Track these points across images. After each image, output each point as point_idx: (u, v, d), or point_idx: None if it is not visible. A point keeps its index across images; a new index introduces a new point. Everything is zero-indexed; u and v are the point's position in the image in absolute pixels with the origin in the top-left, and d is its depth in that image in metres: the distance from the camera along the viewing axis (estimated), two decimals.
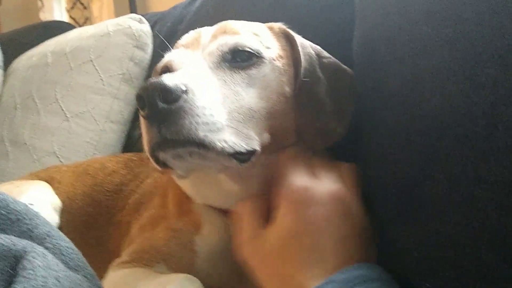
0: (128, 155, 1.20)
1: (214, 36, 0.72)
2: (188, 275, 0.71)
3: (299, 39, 0.77)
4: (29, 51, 1.86)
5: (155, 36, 1.62)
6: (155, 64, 1.51)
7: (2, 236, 0.63)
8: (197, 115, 0.59)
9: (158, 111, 0.58)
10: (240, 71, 0.68)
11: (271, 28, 0.77)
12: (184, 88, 0.59)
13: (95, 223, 1.05)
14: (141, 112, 0.60)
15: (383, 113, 0.66)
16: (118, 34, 1.58)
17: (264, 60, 0.70)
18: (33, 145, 1.52)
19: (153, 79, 0.59)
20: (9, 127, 1.59)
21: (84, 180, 1.14)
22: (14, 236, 0.64)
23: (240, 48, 0.69)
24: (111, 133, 1.52)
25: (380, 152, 0.66)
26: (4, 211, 0.66)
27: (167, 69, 0.72)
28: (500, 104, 0.48)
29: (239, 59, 0.69)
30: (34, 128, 1.54)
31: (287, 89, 0.72)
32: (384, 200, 0.64)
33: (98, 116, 1.52)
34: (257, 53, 0.70)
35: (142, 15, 1.69)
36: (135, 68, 1.55)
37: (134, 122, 1.58)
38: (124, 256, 0.81)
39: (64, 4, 5.20)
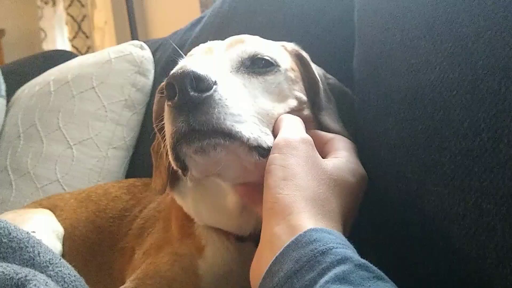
0: (131, 180, 1.20)
1: (231, 45, 0.73)
2: None
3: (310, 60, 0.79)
4: (32, 80, 1.87)
5: (156, 62, 1.64)
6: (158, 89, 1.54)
7: (4, 265, 0.62)
8: (226, 106, 0.58)
9: (189, 99, 0.57)
10: (258, 77, 0.69)
11: (283, 46, 0.79)
12: (214, 79, 0.59)
13: (98, 250, 1.04)
14: (169, 102, 0.59)
15: (385, 129, 0.66)
16: (119, 60, 1.59)
17: (280, 68, 0.71)
18: (36, 174, 1.51)
19: (183, 68, 0.58)
20: (12, 156, 1.59)
21: (86, 207, 1.14)
22: (16, 264, 0.63)
23: (259, 56, 0.71)
24: (114, 160, 1.52)
25: (383, 166, 0.66)
26: (6, 239, 0.65)
27: None
28: (503, 117, 0.48)
29: (256, 66, 0.70)
30: (37, 157, 1.54)
31: (302, 97, 0.73)
32: (388, 213, 0.64)
33: (101, 143, 1.52)
34: (274, 61, 0.71)
35: (144, 42, 1.70)
36: (137, 94, 1.56)
37: (136, 148, 1.58)
38: (128, 282, 0.79)
39: (66, 34, 5.29)
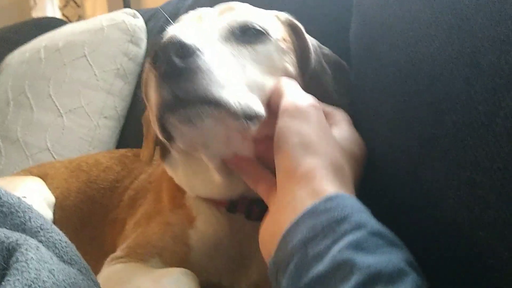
0: (122, 151, 1.19)
1: (221, 13, 0.72)
2: (183, 269, 0.70)
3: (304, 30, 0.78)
4: (21, 47, 1.84)
5: (149, 32, 1.61)
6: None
7: None
8: (211, 73, 0.57)
9: (174, 68, 0.56)
10: (247, 46, 0.68)
11: (277, 16, 0.78)
12: (199, 46, 0.58)
13: (89, 220, 1.04)
14: (154, 71, 0.58)
15: (382, 102, 0.66)
16: (112, 29, 1.57)
17: (270, 38, 0.70)
18: (26, 142, 1.50)
19: (169, 36, 0.57)
20: (1, 123, 1.57)
21: (77, 176, 1.13)
22: (7, 229, 0.63)
23: (249, 25, 0.69)
24: (105, 129, 1.51)
25: (380, 140, 0.66)
26: None
27: None
28: (501, 91, 0.47)
29: (246, 36, 0.68)
30: (27, 124, 1.52)
31: (291, 69, 0.72)
32: (386, 188, 0.64)
33: (92, 112, 1.50)
34: (265, 31, 0.70)
35: (136, 10, 1.67)
36: (130, 63, 1.54)
37: (128, 118, 1.56)
38: (119, 251, 0.80)
39: (57, 2, 5.18)
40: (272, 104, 0.65)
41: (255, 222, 0.71)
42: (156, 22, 1.62)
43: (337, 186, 0.54)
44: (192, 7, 1.41)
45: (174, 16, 1.51)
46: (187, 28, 0.70)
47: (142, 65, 1.56)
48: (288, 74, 0.71)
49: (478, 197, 0.49)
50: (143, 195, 0.95)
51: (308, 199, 0.52)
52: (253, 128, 0.62)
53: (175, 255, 0.75)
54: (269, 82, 0.67)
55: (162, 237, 0.77)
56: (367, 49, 0.73)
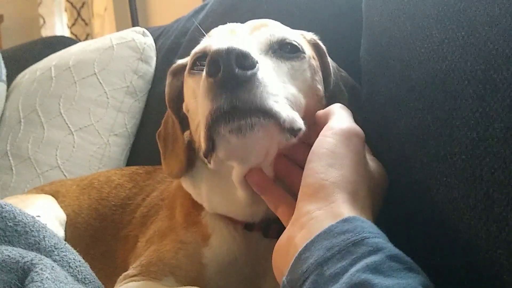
0: (133, 168, 1.19)
1: (256, 28, 0.72)
2: None
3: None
4: (32, 66, 1.86)
5: (158, 50, 1.63)
6: (159, 78, 1.54)
7: (10, 248, 0.62)
8: (267, 85, 0.58)
9: (234, 76, 0.56)
10: (285, 62, 0.68)
11: (302, 35, 0.78)
12: (257, 58, 0.58)
13: (101, 238, 1.03)
14: (210, 78, 0.57)
15: (395, 118, 0.66)
16: (121, 47, 1.58)
17: (305, 56, 0.71)
18: (37, 159, 1.51)
19: (225, 45, 0.56)
20: (12, 141, 1.58)
21: (89, 194, 1.13)
22: (22, 248, 0.63)
23: (287, 41, 0.70)
24: (115, 147, 1.51)
25: (393, 156, 0.66)
26: (11, 223, 0.65)
27: (205, 54, 0.70)
28: None
29: (283, 51, 0.69)
30: (38, 142, 1.53)
31: (320, 88, 0.73)
32: (400, 204, 0.64)
33: (102, 130, 1.51)
34: (301, 48, 0.70)
35: (145, 28, 1.69)
36: (139, 81, 1.55)
37: (137, 135, 1.57)
38: (132, 269, 0.79)
39: (65, 21, 5.25)
40: (318, 123, 0.66)
41: (270, 240, 0.71)
42: (165, 40, 1.63)
43: (356, 210, 0.54)
44: (201, 25, 1.43)
45: (183, 34, 1.53)
46: (227, 40, 0.68)
47: (152, 83, 1.57)
48: (318, 92, 0.72)
49: (495, 215, 0.49)
50: (155, 212, 0.95)
51: (325, 220, 0.52)
52: (294, 141, 0.62)
53: (188, 274, 0.75)
54: (303, 99, 0.67)
55: (175, 255, 0.76)
56: (379, 64, 0.73)
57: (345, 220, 0.51)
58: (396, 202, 0.65)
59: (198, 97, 0.64)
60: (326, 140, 0.60)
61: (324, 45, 0.80)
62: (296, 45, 0.70)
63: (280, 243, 0.58)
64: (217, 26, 1.34)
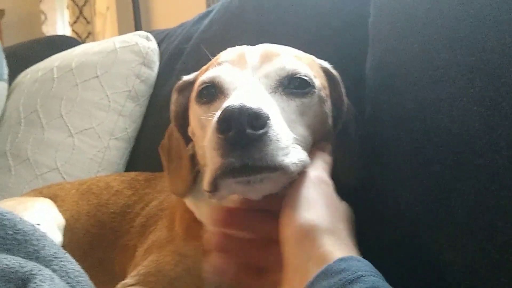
0: (133, 174, 1.19)
1: (267, 58, 0.71)
2: None
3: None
4: (34, 65, 1.85)
5: (161, 54, 1.62)
6: (161, 82, 1.53)
7: (9, 257, 0.61)
8: (278, 141, 0.58)
9: (245, 136, 0.56)
10: (295, 99, 0.67)
11: (314, 61, 0.77)
12: (268, 114, 0.57)
13: (99, 245, 1.03)
14: (220, 135, 0.57)
15: (399, 137, 0.66)
16: (125, 51, 1.58)
17: (315, 90, 0.69)
18: (36, 161, 1.50)
19: (236, 103, 0.56)
20: (12, 142, 1.58)
21: (88, 199, 1.13)
22: (21, 257, 0.63)
23: (298, 75, 0.68)
24: (114, 150, 1.51)
25: (397, 176, 0.65)
26: (11, 231, 0.64)
27: (213, 85, 0.70)
28: None
29: (293, 86, 0.68)
30: (37, 143, 1.52)
31: (328, 120, 0.73)
32: (400, 227, 0.63)
33: (103, 133, 1.50)
34: (311, 82, 0.69)
35: (148, 32, 1.69)
36: (141, 85, 1.54)
37: (138, 140, 1.57)
38: (129, 278, 0.79)
39: (67, 18, 5.24)
40: None
41: None
42: (168, 44, 1.63)
43: (346, 247, 0.55)
44: (205, 32, 1.43)
45: (187, 39, 1.53)
46: (229, 76, 0.69)
47: (154, 88, 1.57)
48: (325, 125, 0.72)
49: (498, 243, 0.49)
50: (154, 222, 0.95)
51: (314, 267, 0.52)
52: (296, 177, 0.62)
53: (187, 286, 0.75)
54: (311, 137, 0.68)
55: (175, 267, 0.76)
56: (384, 82, 0.73)
57: (341, 260, 0.51)
58: (397, 225, 0.65)
59: (205, 132, 0.64)
60: (299, 186, 0.61)
61: (327, 58, 0.79)
62: (306, 80, 0.69)
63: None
64: (221, 34, 1.34)
